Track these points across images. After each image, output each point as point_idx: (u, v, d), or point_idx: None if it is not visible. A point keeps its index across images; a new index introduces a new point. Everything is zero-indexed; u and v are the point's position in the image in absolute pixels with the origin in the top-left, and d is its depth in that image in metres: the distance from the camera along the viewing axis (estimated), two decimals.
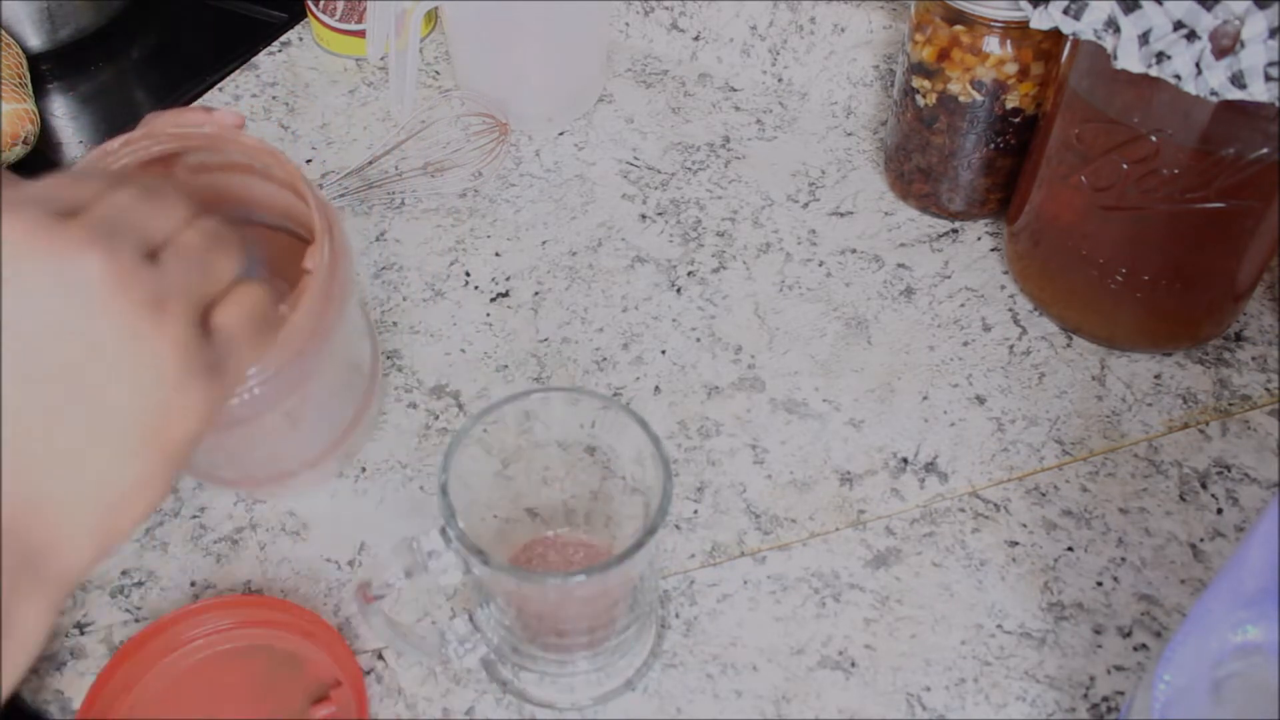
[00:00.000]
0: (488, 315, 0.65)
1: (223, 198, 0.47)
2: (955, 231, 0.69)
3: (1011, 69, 0.61)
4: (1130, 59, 0.51)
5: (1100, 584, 0.53)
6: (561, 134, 0.76)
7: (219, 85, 0.80)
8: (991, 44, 0.61)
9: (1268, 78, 0.47)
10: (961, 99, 0.63)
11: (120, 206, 0.33)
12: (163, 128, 0.44)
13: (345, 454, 0.56)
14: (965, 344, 0.63)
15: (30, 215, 0.31)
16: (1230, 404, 0.60)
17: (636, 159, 0.74)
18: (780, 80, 0.79)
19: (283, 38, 0.84)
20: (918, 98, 0.65)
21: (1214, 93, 0.49)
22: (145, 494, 0.33)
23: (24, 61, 0.78)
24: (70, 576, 0.32)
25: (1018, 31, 0.60)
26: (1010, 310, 0.65)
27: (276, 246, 0.50)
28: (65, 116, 0.81)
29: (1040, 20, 0.54)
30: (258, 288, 0.37)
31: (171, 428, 0.33)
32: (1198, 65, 0.49)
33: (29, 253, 0.30)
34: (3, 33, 0.78)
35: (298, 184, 0.45)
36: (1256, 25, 0.47)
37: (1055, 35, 0.56)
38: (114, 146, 0.43)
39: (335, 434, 0.54)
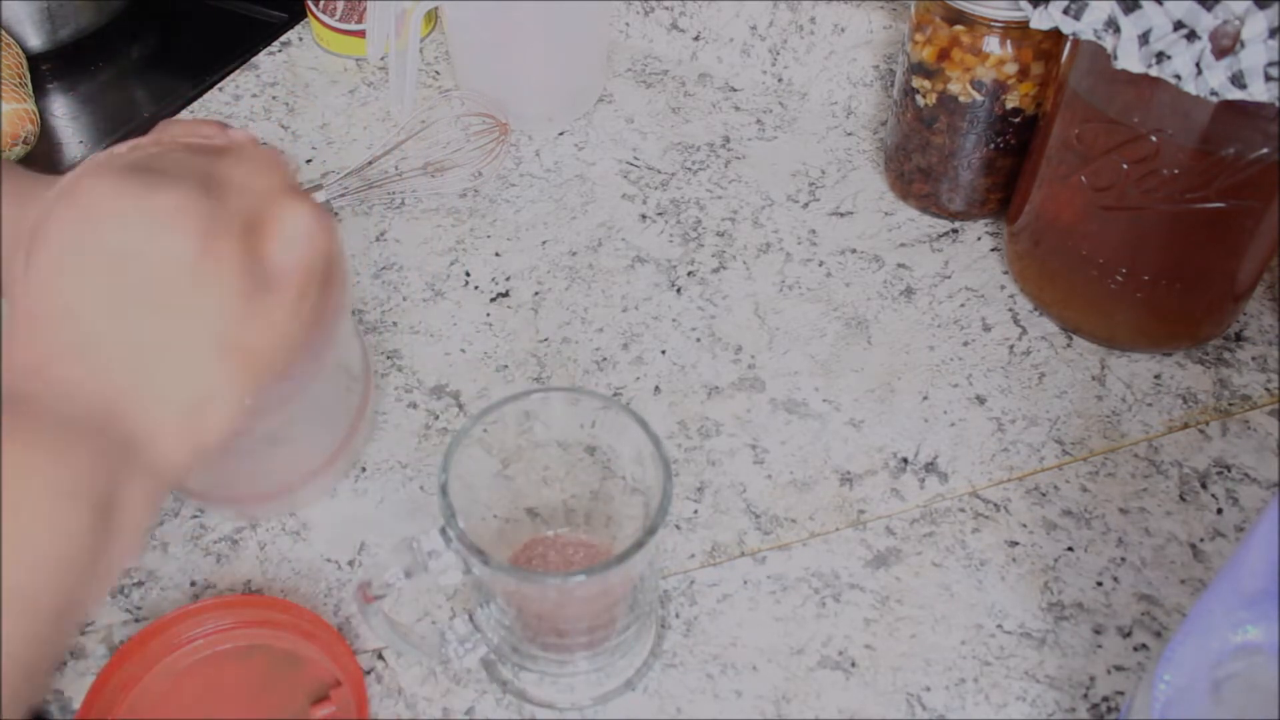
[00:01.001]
0: (488, 315, 0.65)
1: None
2: (955, 231, 0.69)
3: (1011, 69, 0.61)
4: (1130, 59, 0.51)
5: (1100, 584, 0.53)
6: (561, 134, 0.76)
7: (219, 85, 0.80)
8: (991, 44, 0.61)
9: (1268, 78, 0.47)
10: (961, 99, 0.63)
11: (176, 158, 0.40)
12: (173, 136, 0.45)
13: (346, 462, 0.56)
14: (965, 344, 0.63)
15: (115, 167, 0.37)
16: (1230, 404, 0.60)
17: (636, 159, 0.74)
18: (780, 80, 0.79)
19: (283, 38, 0.84)
20: (918, 98, 0.65)
21: (1214, 93, 0.49)
22: (226, 396, 0.38)
23: (24, 61, 0.78)
24: (166, 468, 0.37)
25: (1018, 31, 0.60)
26: (1010, 310, 0.65)
27: None
28: (65, 116, 0.81)
29: (1040, 20, 0.54)
30: (296, 202, 0.40)
31: (247, 336, 0.38)
32: (1198, 65, 0.49)
33: (118, 193, 0.36)
34: (3, 33, 0.78)
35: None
36: (1256, 25, 0.47)
37: (1055, 35, 0.56)
38: (121, 150, 0.43)
39: (334, 444, 0.54)
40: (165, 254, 0.36)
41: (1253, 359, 0.62)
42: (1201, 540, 0.54)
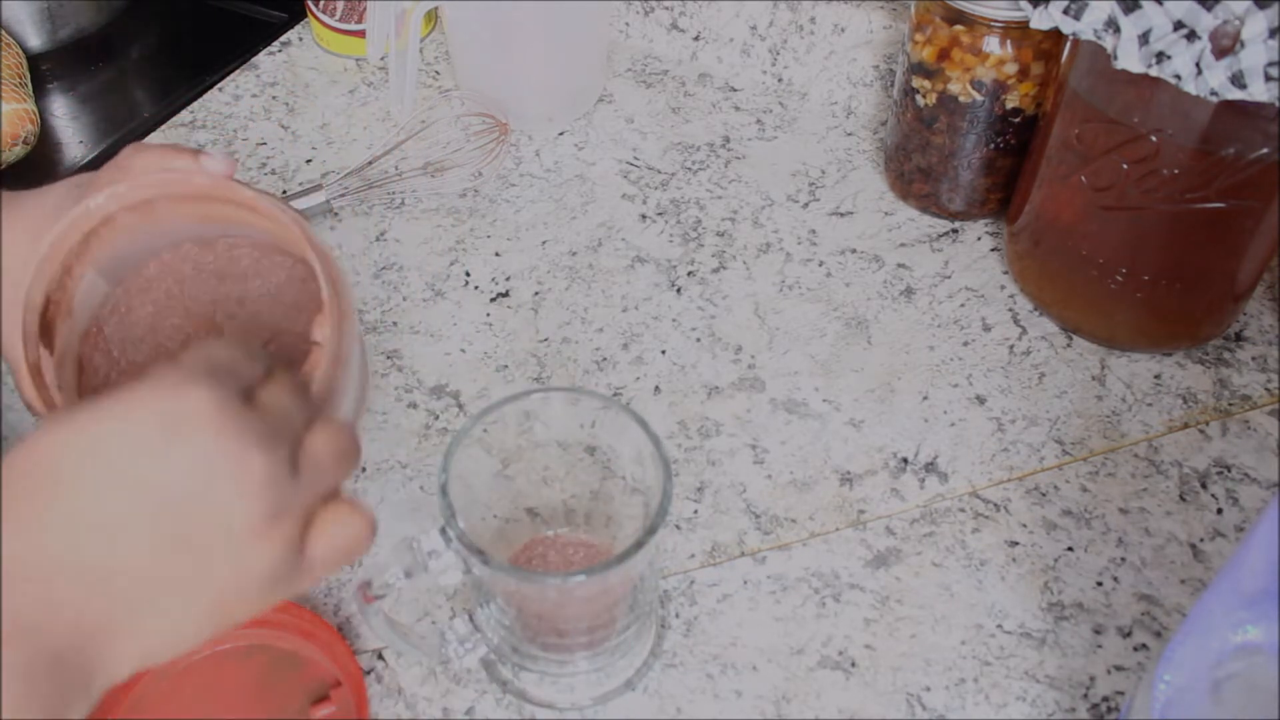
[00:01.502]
0: (488, 315, 0.65)
1: (211, 219, 0.45)
2: (955, 231, 0.69)
3: (1011, 69, 0.61)
4: (1130, 59, 0.51)
5: (1100, 584, 0.53)
6: (561, 134, 0.76)
7: (219, 85, 0.80)
8: (991, 44, 0.61)
9: (1268, 78, 0.47)
10: (961, 99, 0.63)
11: (274, 401, 0.35)
12: (147, 169, 0.43)
13: None
14: (965, 344, 0.63)
15: (226, 390, 0.33)
16: (1230, 404, 0.60)
17: (636, 159, 0.74)
18: (780, 80, 0.79)
19: (283, 38, 0.84)
20: (918, 98, 0.65)
21: (1214, 93, 0.49)
22: (181, 648, 0.35)
23: (24, 61, 0.78)
24: (105, 688, 0.34)
25: (1018, 31, 0.60)
26: (1010, 310, 0.65)
27: (264, 262, 0.49)
28: (65, 116, 0.81)
29: (1040, 20, 0.54)
30: (356, 514, 0.37)
31: (235, 613, 0.35)
32: (1198, 65, 0.49)
33: (215, 428, 0.33)
34: (3, 33, 0.78)
35: (302, 245, 0.42)
36: (1256, 25, 0.47)
37: (1055, 35, 0.56)
38: (97, 203, 0.41)
39: None
40: (222, 515, 0.33)
41: (1253, 359, 0.62)
42: (1201, 540, 0.54)
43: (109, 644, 0.33)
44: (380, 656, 0.50)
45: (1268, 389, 0.61)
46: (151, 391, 0.33)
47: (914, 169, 0.68)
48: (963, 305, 0.65)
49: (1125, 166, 0.55)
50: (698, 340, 0.63)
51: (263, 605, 0.36)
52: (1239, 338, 0.63)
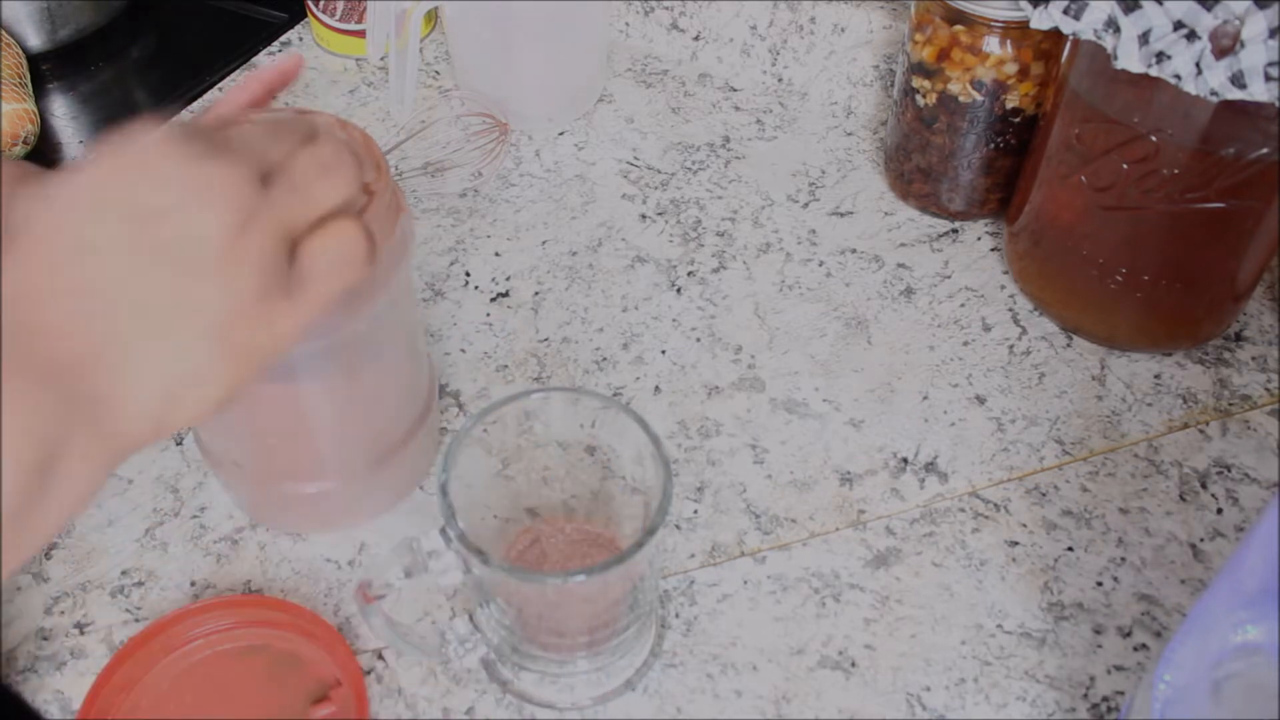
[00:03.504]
0: (488, 315, 0.65)
1: None
2: (955, 231, 0.69)
3: (1011, 69, 0.61)
4: (1130, 59, 0.51)
5: (1100, 584, 0.53)
6: (561, 134, 0.76)
7: (219, 85, 0.80)
8: (991, 44, 0.61)
9: (1268, 78, 0.47)
10: (961, 99, 0.63)
11: (246, 135, 0.37)
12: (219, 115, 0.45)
13: (403, 480, 0.55)
14: (965, 344, 0.63)
15: (178, 127, 0.35)
16: (1230, 404, 0.60)
17: (636, 159, 0.74)
18: (780, 80, 0.79)
19: (283, 38, 0.84)
20: (918, 98, 0.65)
21: (1214, 93, 0.49)
22: (205, 387, 0.35)
23: (24, 61, 0.78)
24: (124, 442, 0.34)
25: (1018, 31, 0.60)
26: (1010, 310, 0.65)
27: None
28: (65, 116, 0.81)
29: (1040, 20, 0.54)
30: (352, 225, 0.38)
31: (242, 333, 0.35)
32: (1198, 65, 0.49)
33: (166, 152, 0.34)
34: (3, 33, 0.78)
35: (368, 147, 0.45)
36: (1256, 25, 0.47)
37: (1055, 35, 0.56)
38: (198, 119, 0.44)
39: (388, 439, 0.53)
40: (192, 226, 0.34)
41: (1253, 359, 0.62)
42: (1201, 540, 0.54)
43: (111, 371, 0.33)
44: (380, 656, 0.50)
45: (1268, 389, 0.61)
46: (104, 147, 0.35)
47: (914, 169, 0.68)
48: (963, 305, 0.65)
49: (1125, 166, 0.55)
50: (698, 340, 0.63)
51: (268, 328, 0.36)
52: (1239, 338, 0.63)
